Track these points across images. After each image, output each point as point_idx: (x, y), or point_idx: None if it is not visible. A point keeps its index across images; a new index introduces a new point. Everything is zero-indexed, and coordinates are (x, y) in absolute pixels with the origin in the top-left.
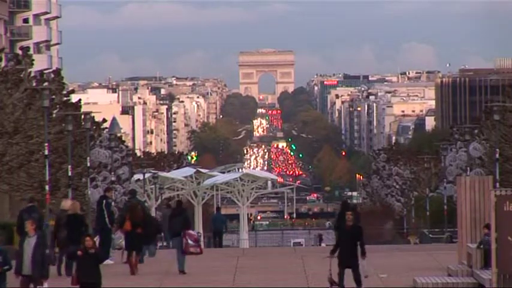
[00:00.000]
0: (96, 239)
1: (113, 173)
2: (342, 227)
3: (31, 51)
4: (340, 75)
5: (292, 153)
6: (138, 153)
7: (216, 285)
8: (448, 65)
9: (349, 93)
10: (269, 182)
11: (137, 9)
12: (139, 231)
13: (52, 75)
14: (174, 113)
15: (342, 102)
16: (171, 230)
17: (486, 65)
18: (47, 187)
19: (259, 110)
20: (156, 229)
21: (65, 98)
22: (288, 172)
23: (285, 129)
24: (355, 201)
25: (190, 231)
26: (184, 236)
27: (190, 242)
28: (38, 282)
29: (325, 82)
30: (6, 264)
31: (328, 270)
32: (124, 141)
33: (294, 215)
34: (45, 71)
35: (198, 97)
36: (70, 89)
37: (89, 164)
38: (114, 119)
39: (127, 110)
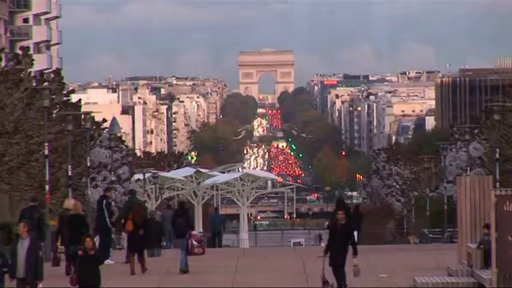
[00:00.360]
0: (96, 239)
1: (112, 173)
2: (334, 227)
3: (31, 51)
4: (340, 75)
5: (292, 153)
6: (138, 153)
7: (216, 285)
8: (448, 65)
9: (349, 93)
10: (269, 182)
11: (137, 9)
12: (142, 233)
13: (52, 75)
14: (174, 113)
15: (342, 102)
16: (175, 231)
17: (486, 65)
18: (47, 187)
19: (259, 110)
20: (159, 232)
21: (65, 98)
22: (288, 172)
23: (285, 129)
24: (355, 201)
25: (194, 232)
26: (189, 237)
27: (194, 242)
28: (32, 284)
29: (325, 82)
30: (5, 266)
31: (321, 270)
32: (124, 141)
33: (294, 215)
34: (45, 71)
35: (198, 97)
36: (70, 89)
37: (89, 164)
38: (114, 119)
39: (127, 110)
